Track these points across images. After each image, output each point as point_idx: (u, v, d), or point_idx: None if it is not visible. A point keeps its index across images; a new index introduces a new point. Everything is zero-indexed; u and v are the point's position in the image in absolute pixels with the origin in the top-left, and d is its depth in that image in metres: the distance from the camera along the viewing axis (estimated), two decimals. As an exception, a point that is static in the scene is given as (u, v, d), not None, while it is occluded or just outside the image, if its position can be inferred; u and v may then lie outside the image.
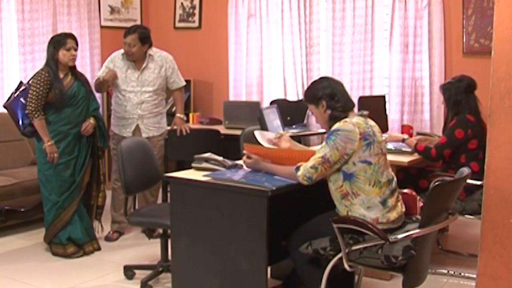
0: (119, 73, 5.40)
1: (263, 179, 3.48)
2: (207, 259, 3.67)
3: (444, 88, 4.91)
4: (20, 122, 4.99)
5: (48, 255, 5.10)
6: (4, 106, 5.12)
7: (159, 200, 5.82)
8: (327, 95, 3.47)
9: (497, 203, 2.33)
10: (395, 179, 3.48)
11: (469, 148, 4.70)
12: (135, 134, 5.39)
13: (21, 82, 5.21)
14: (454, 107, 4.79)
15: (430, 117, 6.46)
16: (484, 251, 2.38)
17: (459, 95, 4.76)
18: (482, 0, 6.08)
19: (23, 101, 4.92)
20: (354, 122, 3.36)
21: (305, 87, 6.99)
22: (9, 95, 5.17)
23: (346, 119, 3.40)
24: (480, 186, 4.45)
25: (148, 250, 5.14)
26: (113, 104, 5.54)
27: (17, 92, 5.02)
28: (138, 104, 5.39)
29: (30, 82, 4.94)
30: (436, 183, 3.10)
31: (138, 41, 5.31)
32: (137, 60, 5.40)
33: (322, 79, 3.64)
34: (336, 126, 3.37)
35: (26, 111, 4.87)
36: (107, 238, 5.48)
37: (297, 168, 3.38)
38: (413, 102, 6.57)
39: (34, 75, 4.94)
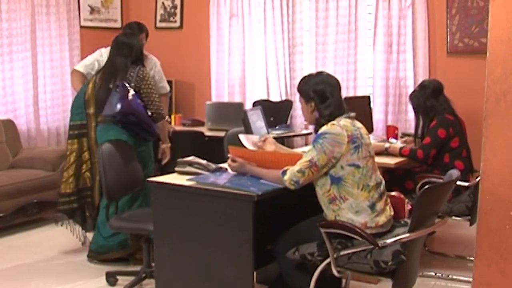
0: None
1: (249, 183, 3.39)
2: (192, 265, 3.58)
3: (412, 97, 4.99)
4: (152, 127, 4.75)
5: (28, 260, 4.99)
6: (116, 114, 4.68)
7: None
8: (318, 97, 3.39)
9: (493, 208, 2.26)
10: (383, 182, 3.42)
11: (452, 147, 4.71)
12: None
13: (124, 85, 4.66)
14: (428, 113, 4.81)
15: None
16: (479, 259, 2.31)
17: (428, 101, 4.82)
18: (466, 0, 6.03)
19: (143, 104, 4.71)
20: (342, 125, 3.28)
21: (288, 88, 7.02)
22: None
23: (333, 122, 3.32)
24: (467, 187, 4.44)
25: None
26: None
27: (129, 97, 4.62)
28: None
29: (140, 84, 4.68)
30: (426, 187, 3.03)
31: (145, 39, 5.26)
32: None
33: (319, 74, 3.52)
34: (324, 129, 3.29)
35: (155, 114, 4.70)
36: None
37: (284, 172, 3.30)
38: (397, 102, 6.52)
39: (142, 75, 4.68)
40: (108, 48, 5.26)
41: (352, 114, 3.42)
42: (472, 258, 4.80)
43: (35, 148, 6.67)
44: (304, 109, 3.50)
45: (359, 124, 3.41)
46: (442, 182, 3.29)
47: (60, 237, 5.61)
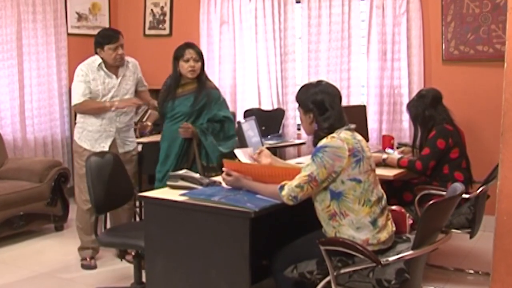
0: (97, 84, 4.93)
1: (245, 199, 3.25)
2: (185, 283, 3.44)
3: (410, 107, 4.87)
4: None
5: (14, 275, 4.81)
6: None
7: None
8: (317, 109, 3.25)
9: (511, 230, 2.12)
10: (384, 196, 3.29)
11: (451, 158, 4.61)
12: (111, 149, 5.00)
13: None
14: (427, 123, 4.71)
15: (409, 126, 6.28)
16: (496, 282, 2.18)
17: (427, 110, 4.71)
18: (461, 7, 5.93)
19: None
20: (343, 138, 3.15)
21: (280, 96, 6.90)
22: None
23: (334, 134, 3.18)
24: (467, 199, 4.33)
25: (121, 271, 4.86)
26: (83, 117, 5.05)
27: None
28: (117, 116, 5.01)
29: None
30: (431, 203, 2.90)
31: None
32: (117, 66, 5.02)
33: (318, 83, 3.36)
34: (323, 142, 3.15)
35: None
36: (87, 266, 5.02)
37: (281, 187, 3.16)
38: (391, 111, 6.41)
39: None
40: (88, 63, 4.97)
41: (352, 126, 3.29)
42: (472, 271, 4.76)
43: (21, 158, 6.50)
44: (303, 120, 3.36)
45: (359, 137, 3.28)
46: (447, 198, 3.16)
47: (47, 251, 5.47)
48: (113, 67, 5.00)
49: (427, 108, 4.68)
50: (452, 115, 4.73)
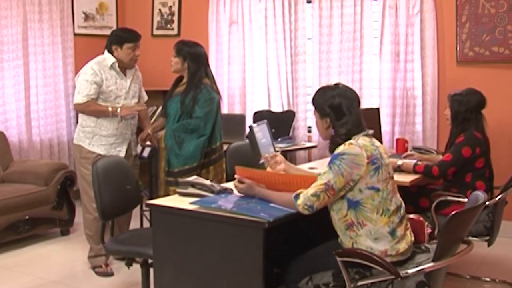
0: (110, 84, 4.79)
1: (258, 208, 3.12)
2: (195, 294, 3.32)
3: (453, 100, 4.60)
4: None
5: (19, 281, 4.71)
6: None
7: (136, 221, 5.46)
8: (334, 113, 3.13)
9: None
10: (403, 205, 3.15)
11: (476, 167, 4.45)
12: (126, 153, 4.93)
13: None
14: (463, 124, 4.52)
15: (423, 129, 6.18)
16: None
17: (469, 112, 4.50)
18: (476, 7, 5.80)
19: None
20: (361, 144, 3.01)
21: (290, 98, 6.78)
22: None
23: (351, 141, 3.05)
24: (486, 207, 4.19)
25: (129, 278, 4.75)
26: (95, 121, 4.83)
27: None
28: (132, 118, 4.93)
29: None
30: (454, 213, 2.77)
31: None
32: (126, 67, 4.93)
33: (336, 86, 3.24)
34: (341, 149, 3.02)
35: None
36: (104, 274, 4.88)
37: (297, 196, 3.03)
38: (404, 114, 6.29)
39: None
40: (99, 62, 4.84)
41: (370, 131, 3.16)
42: (488, 279, 4.62)
43: (27, 161, 6.41)
44: (319, 124, 3.23)
45: (377, 143, 3.15)
46: (469, 207, 3.02)
47: (53, 256, 5.38)
48: (123, 68, 4.89)
49: (469, 110, 4.50)
50: (485, 125, 4.56)
